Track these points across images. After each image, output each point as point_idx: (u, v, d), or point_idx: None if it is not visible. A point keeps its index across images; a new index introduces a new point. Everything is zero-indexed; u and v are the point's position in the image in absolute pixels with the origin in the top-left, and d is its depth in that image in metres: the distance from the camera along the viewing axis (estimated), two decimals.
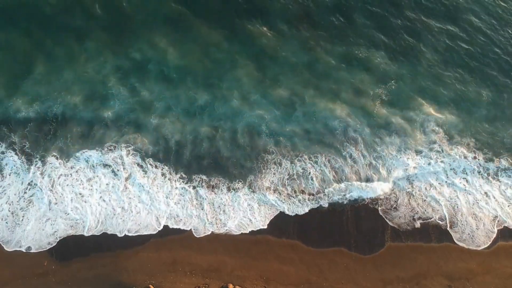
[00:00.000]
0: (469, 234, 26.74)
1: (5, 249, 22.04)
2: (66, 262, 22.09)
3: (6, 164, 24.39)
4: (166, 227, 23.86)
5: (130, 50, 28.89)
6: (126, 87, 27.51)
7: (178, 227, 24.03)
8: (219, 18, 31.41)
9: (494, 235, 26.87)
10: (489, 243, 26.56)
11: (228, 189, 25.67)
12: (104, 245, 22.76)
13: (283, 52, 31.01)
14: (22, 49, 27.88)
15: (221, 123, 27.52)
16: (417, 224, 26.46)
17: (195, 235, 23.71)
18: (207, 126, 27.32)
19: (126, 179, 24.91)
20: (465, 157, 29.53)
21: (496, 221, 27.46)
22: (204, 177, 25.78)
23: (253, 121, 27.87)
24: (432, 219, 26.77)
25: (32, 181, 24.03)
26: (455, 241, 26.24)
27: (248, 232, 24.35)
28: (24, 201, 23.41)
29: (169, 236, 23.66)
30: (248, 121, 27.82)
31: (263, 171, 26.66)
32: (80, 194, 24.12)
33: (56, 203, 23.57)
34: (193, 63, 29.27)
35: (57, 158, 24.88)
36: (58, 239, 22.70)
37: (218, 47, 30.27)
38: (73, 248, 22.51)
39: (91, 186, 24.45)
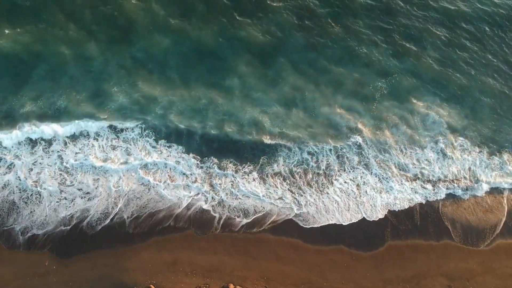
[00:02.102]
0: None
1: (14, 235, 22.14)
2: (67, 262, 22.05)
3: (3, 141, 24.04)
4: (167, 225, 23.91)
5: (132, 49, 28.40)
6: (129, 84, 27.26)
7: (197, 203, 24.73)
8: (219, 15, 31.04)
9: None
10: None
11: (236, 171, 26.14)
12: (105, 245, 22.73)
13: (284, 50, 30.64)
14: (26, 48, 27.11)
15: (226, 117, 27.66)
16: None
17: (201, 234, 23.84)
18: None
19: (142, 153, 25.14)
20: (469, 152, 29.88)
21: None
22: (216, 160, 26.13)
23: (257, 114, 27.99)
24: None
25: (36, 161, 23.87)
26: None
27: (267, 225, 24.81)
28: (31, 181, 23.36)
29: (169, 234, 23.61)
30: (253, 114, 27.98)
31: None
32: (93, 171, 24.22)
33: (70, 185, 23.60)
34: (195, 63, 28.96)
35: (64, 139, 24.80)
36: (74, 221, 22.95)
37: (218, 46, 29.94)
38: (74, 248, 22.47)
39: (106, 164, 24.52)
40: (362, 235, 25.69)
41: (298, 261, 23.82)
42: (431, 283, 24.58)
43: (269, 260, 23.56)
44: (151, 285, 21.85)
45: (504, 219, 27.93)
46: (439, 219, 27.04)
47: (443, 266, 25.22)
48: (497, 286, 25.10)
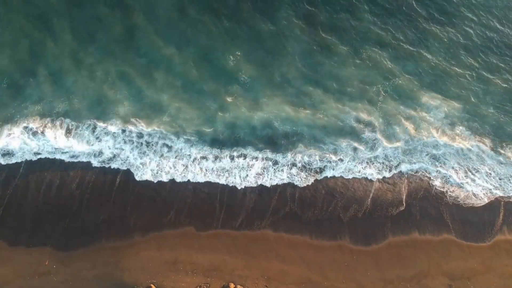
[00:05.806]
0: None
1: None
2: (67, 261, 22.04)
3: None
4: (168, 221, 23.77)
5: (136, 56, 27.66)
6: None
7: None
8: (224, 19, 30.29)
9: None
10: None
11: None
12: (106, 244, 22.69)
13: (289, 52, 29.97)
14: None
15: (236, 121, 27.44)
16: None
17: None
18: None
19: None
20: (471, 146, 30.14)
21: None
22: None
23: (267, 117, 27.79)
24: None
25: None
26: None
27: None
28: None
29: (168, 231, 23.50)
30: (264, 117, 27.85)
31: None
32: None
33: None
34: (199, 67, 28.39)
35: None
36: None
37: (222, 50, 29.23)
38: (74, 247, 22.44)
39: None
40: (362, 230, 25.65)
41: (298, 260, 23.80)
42: (432, 282, 24.60)
43: (269, 259, 23.53)
44: (152, 284, 21.85)
45: (502, 215, 27.92)
46: (439, 215, 27.02)
47: (444, 265, 25.22)
48: (497, 285, 25.14)
